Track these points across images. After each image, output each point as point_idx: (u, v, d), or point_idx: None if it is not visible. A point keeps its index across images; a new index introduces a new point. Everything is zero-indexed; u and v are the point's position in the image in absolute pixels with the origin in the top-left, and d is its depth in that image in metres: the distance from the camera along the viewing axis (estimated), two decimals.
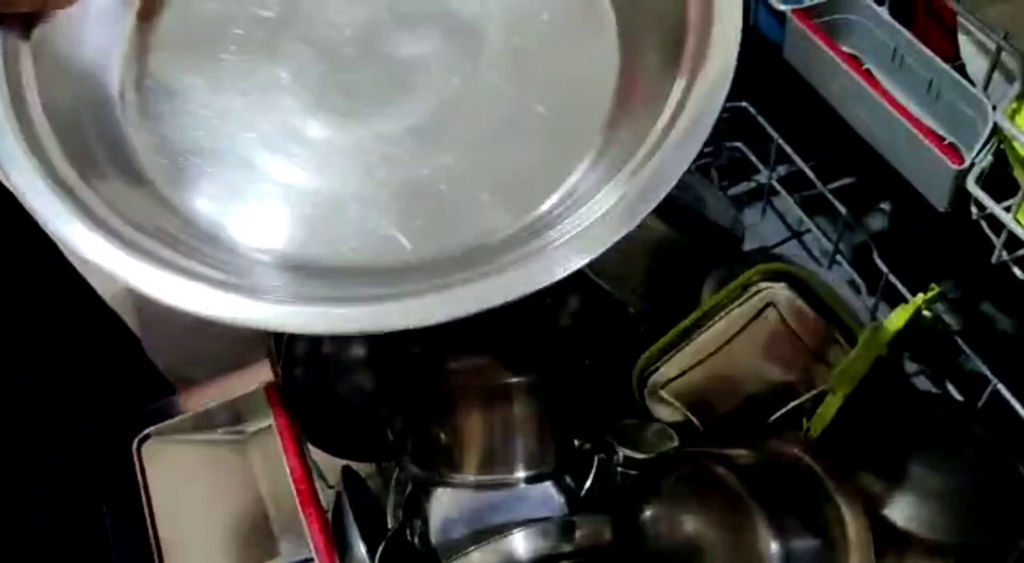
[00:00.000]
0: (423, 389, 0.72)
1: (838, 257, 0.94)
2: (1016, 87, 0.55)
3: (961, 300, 0.93)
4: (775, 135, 0.93)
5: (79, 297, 1.02)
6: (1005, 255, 0.57)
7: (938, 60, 0.60)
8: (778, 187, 0.97)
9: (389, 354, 0.79)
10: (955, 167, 0.56)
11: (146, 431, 0.90)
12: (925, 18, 0.63)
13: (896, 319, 0.71)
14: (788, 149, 0.93)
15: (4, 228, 0.72)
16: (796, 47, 0.66)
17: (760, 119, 0.94)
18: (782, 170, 1.01)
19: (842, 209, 0.86)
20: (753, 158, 1.00)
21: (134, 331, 1.17)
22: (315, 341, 0.77)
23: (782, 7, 0.66)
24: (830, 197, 0.93)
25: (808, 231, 1.03)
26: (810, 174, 0.94)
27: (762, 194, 1.03)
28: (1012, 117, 0.55)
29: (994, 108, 0.56)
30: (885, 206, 1.06)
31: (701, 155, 1.00)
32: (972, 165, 0.56)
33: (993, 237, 0.57)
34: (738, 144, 1.00)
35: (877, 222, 1.06)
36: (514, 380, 0.69)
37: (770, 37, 0.71)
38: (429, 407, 0.72)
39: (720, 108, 0.43)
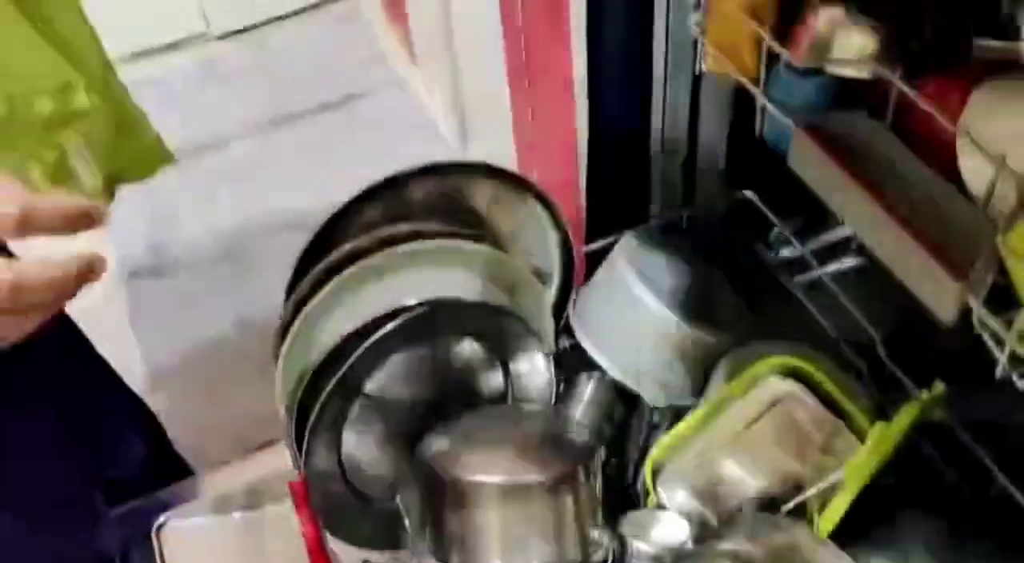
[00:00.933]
0: (441, 483, 0.73)
1: (836, 337, 0.97)
2: (1015, 208, 0.57)
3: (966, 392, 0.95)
4: (778, 223, 0.96)
5: (99, 380, 1.03)
6: (1009, 369, 0.59)
7: (939, 177, 0.62)
8: (781, 276, 1.00)
9: (406, 445, 0.81)
10: (958, 284, 0.58)
11: (162, 518, 0.92)
12: (925, 133, 0.66)
13: (902, 418, 0.73)
14: (789, 234, 0.96)
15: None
16: (801, 158, 0.69)
17: (763, 208, 0.97)
18: (785, 253, 1.04)
19: (848, 304, 0.89)
20: (761, 248, 1.03)
21: (152, 408, 1.19)
22: (336, 430, 0.79)
23: (788, 121, 0.69)
24: (831, 286, 0.95)
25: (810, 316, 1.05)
26: (810, 258, 0.96)
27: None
28: (1012, 237, 0.57)
29: (995, 226, 0.59)
30: (886, 290, 1.08)
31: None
32: (974, 282, 0.58)
33: (996, 352, 0.59)
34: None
35: (879, 308, 1.08)
36: (533, 478, 0.70)
37: (776, 147, 0.74)
38: (446, 500, 0.74)
39: None
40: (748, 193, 0.97)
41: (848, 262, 1.11)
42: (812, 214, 1.05)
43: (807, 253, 0.98)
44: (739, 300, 0.93)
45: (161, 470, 1.06)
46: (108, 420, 1.02)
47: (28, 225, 0.45)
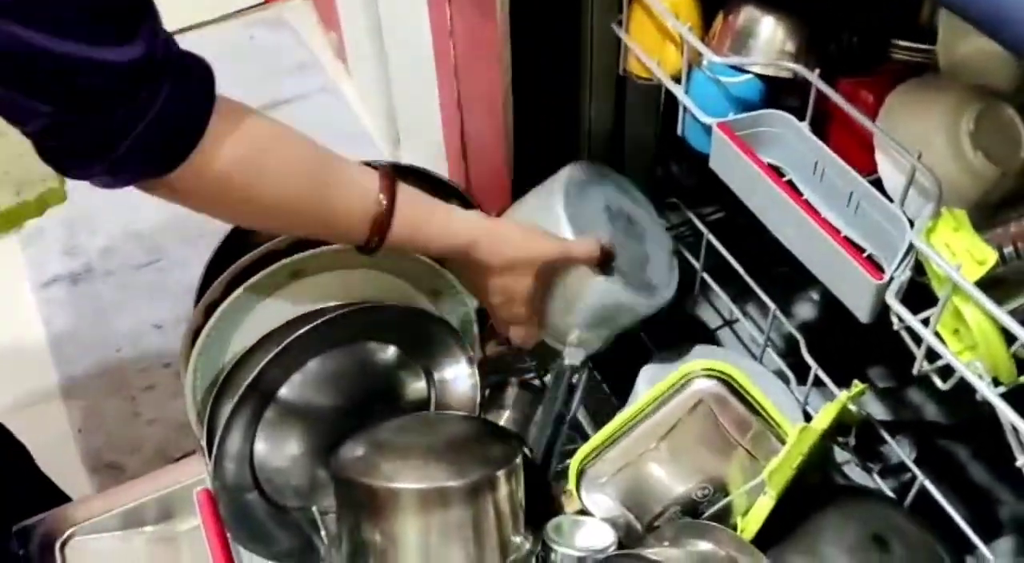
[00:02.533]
0: (357, 490, 0.71)
1: (768, 346, 0.97)
2: (931, 206, 0.58)
3: (887, 390, 0.96)
4: (705, 230, 0.95)
5: None
6: (926, 366, 0.59)
7: (857, 175, 0.62)
8: (709, 280, 0.99)
9: (322, 453, 0.78)
10: (876, 281, 0.58)
11: (70, 530, 0.88)
12: (844, 133, 0.66)
13: (822, 418, 0.73)
14: (717, 244, 0.96)
15: None
16: (721, 158, 0.68)
17: (691, 214, 0.97)
18: (715, 261, 1.03)
19: (771, 304, 0.89)
20: (686, 253, 1.03)
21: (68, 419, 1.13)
22: (248, 438, 0.76)
23: (708, 120, 0.68)
24: (758, 290, 0.95)
25: (737, 321, 1.05)
26: (739, 268, 0.96)
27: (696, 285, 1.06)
28: (928, 234, 0.58)
29: (911, 223, 0.59)
30: (815, 295, 1.09)
31: None
32: (892, 279, 0.58)
33: (914, 348, 0.59)
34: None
35: (807, 311, 1.09)
36: (450, 484, 0.68)
37: (697, 148, 0.74)
38: (363, 508, 0.71)
39: None
40: (674, 199, 0.97)
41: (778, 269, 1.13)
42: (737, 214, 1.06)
43: (731, 258, 0.97)
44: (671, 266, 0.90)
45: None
46: None
47: None
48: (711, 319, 1.08)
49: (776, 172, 0.67)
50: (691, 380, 0.78)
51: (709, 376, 0.78)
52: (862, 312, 0.61)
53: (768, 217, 0.66)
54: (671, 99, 0.76)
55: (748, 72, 0.68)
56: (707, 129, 0.69)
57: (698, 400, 0.77)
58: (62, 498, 1.01)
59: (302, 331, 0.73)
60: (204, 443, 0.78)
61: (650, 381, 0.85)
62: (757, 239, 1.07)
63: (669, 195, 0.99)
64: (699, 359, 0.79)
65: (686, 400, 0.77)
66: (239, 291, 0.75)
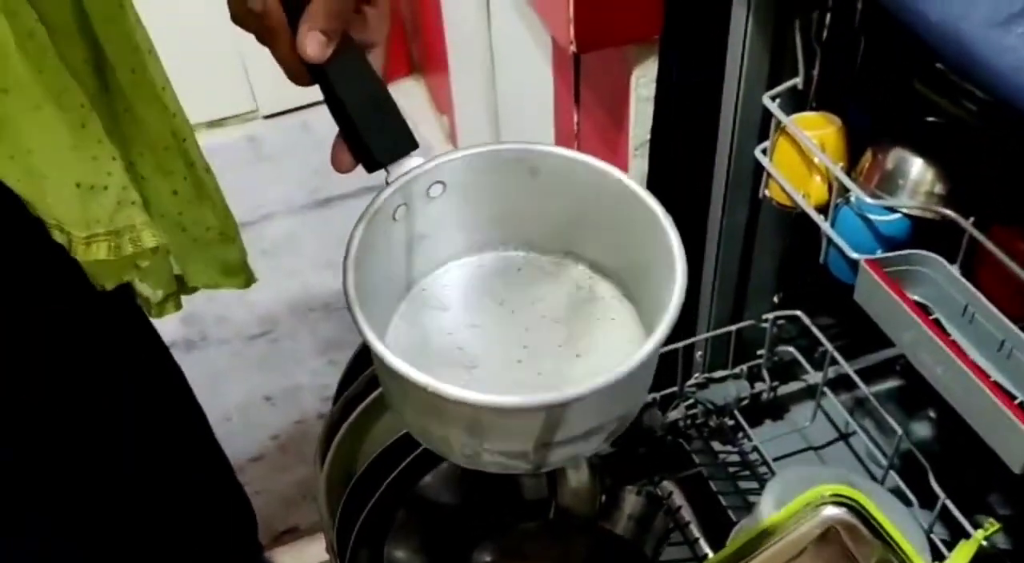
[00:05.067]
0: None
1: (887, 465, 0.95)
2: None
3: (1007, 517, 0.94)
4: (829, 345, 0.96)
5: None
6: None
7: (1009, 322, 0.62)
8: (830, 394, 0.99)
9: (448, 554, 0.80)
10: None
11: None
12: (996, 277, 0.66)
13: (957, 557, 0.72)
14: (840, 359, 0.96)
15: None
16: (868, 293, 0.69)
17: (814, 329, 0.97)
18: (830, 372, 1.03)
19: (898, 429, 0.88)
20: (804, 361, 1.03)
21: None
22: (378, 540, 0.78)
23: (855, 256, 0.69)
24: (876, 403, 0.95)
25: (854, 433, 1.04)
26: (857, 380, 0.96)
27: (809, 394, 1.06)
28: None
29: None
30: (932, 412, 1.08)
31: (754, 357, 1.04)
32: None
33: None
34: (789, 348, 1.03)
35: (924, 429, 1.08)
36: None
37: (839, 276, 0.75)
38: None
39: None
40: (797, 312, 0.98)
41: (892, 382, 1.12)
42: (856, 334, 1.06)
43: (852, 373, 0.97)
44: None
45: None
46: None
47: None
48: (825, 432, 1.07)
49: (922, 309, 0.67)
50: (821, 506, 0.78)
51: (839, 503, 0.78)
52: (1014, 460, 0.61)
53: (916, 356, 0.66)
54: (806, 222, 0.77)
55: (897, 211, 0.69)
56: (851, 262, 0.70)
57: (828, 527, 0.77)
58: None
59: None
60: (335, 541, 0.80)
61: (776, 500, 0.85)
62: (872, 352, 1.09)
63: (792, 307, 0.99)
64: (825, 479, 0.79)
65: (815, 527, 0.77)
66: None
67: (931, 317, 0.68)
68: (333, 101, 0.53)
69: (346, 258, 0.49)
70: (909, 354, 0.67)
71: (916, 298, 0.68)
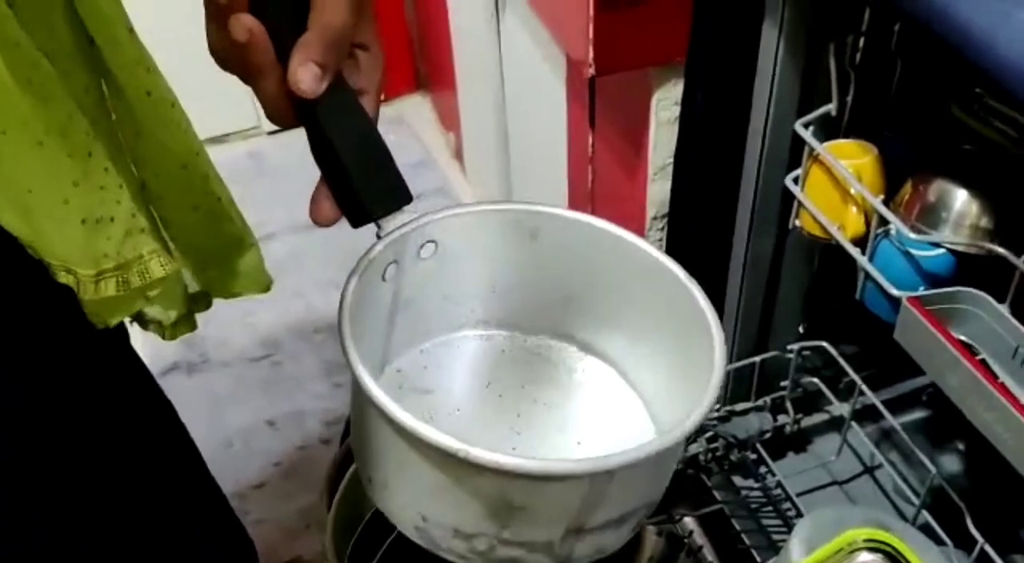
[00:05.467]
0: None
1: (919, 504, 0.92)
2: None
3: None
4: (854, 376, 0.92)
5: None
6: None
7: None
8: (856, 427, 0.96)
9: None
10: None
11: None
12: None
13: None
14: (865, 388, 0.93)
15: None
16: (909, 332, 0.65)
17: (840, 360, 0.94)
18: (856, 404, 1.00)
19: (932, 468, 0.84)
20: (828, 392, 0.99)
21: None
22: None
23: (897, 293, 0.66)
24: (904, 435, 0.91)
25: (880, 466, 1.01)
26: (885, 411, 0.92)
27: (833, 426, 1.03)
28: None
29: None
30: (960, 445, 1.04)
31: (777, 388, 1.01)
32: None
33: None
34: (814, 379, 1.00)
35: (953, 463, 1.04)
36: None
37: (877, 313, 0.72)
38: None
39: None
40: (825, 343, 0.94)
41: (919, 413, 1.08)
42: (881, 364, 1.03)
43: (880, 404, 0.94)
44: None
45: None
46: None
47: None
48: (851, 465, 1.04)
49: (967, 349, 0.64)
50: (855, 552, 0.74)
51: (874, 549, 0.74)
52: None
53: (961, 398, 0.63)
54: (834, 252, 0.74)
55: (941, 246, 0.66)
56: (891, 299, 0.67)
57: None
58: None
59: None
60: None
61: (805, 543, 0.81)
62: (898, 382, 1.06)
63: (816, 337, 0.96)
64: (855, 520, 0.76)
65: None
66: None
67: (977, 358, 0.64)
68: (321, 144, 0.47)
69: (341, 310, 0.45)
70: (956, 398, 0.63)
71: (961, 338, 0.65)
